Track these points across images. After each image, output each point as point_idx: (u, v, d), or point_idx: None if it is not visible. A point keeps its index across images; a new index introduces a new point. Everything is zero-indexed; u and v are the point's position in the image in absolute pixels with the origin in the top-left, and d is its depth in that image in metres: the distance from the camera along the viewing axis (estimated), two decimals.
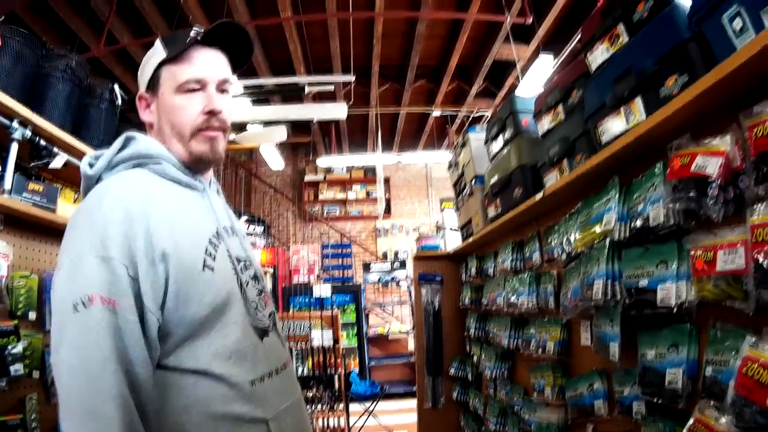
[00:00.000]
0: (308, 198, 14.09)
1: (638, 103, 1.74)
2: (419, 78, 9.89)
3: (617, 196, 1.80)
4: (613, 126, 1.87)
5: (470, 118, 11.32)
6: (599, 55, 1.97)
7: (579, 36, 7.28)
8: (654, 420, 1.68)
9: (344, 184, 14.24)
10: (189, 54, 1.49)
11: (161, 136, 1.52)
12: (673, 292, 1.52)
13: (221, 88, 1.53)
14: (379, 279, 10.89)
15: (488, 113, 10.91)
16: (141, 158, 1.46)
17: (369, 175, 13.91)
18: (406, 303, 11.21)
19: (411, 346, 10.16)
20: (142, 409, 1.18)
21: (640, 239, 1.71)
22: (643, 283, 1.64)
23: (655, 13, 1.70)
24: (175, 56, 1.48)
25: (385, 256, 13.53)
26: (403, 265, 10.88)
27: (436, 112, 11.04)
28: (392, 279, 10.87)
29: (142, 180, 1.41)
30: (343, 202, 14.15)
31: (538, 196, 2.38)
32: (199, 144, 1.50)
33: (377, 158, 10.69)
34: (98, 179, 1.44)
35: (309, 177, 14.18)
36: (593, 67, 2.02)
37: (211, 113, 1.48)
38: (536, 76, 7.46)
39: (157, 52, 1.51)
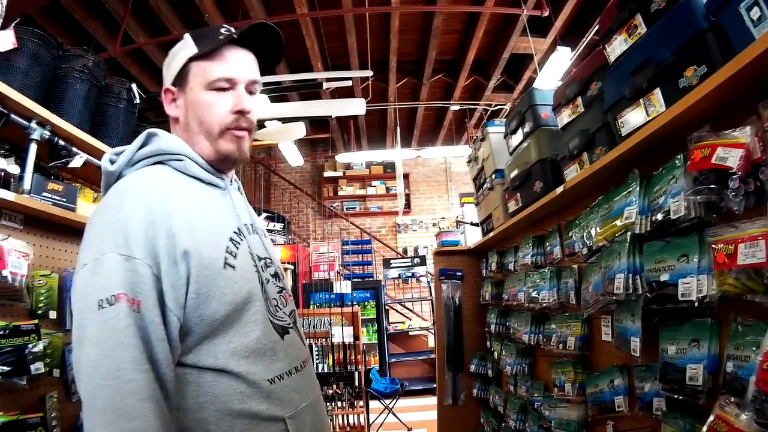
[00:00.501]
0: (328, 194, 14.13)
1: (657, 94, 1.72)
2: (436, 72, 9.87)
3: (638, 189, 1.79)
4: (633, 118, 1.85)
5: (488, 112, 11.27)
6: (617, 46, 1.96)
7: (596, 28, 7.28)
8: (674, 417, 1.66)
9: (363, 180, 14.27)
10: (221, 52, 1.49)
11: (187, 131, 1.51)
12: (694, 286, 1.51)
13: (250, 89, 1.53)
14: (399, 275, 10.85)
15: (506, 106, 10.85)
16: (162, 155, 1.46)
17: (388, 170, 13.93)
18: (426, 299, 11.19)
19: (431, 342, 10.14)
20: (168, 408, 1.19)
21: (661, 232, 1.69)
22: (665, 277, 1.63)
23: (672, 3, 1.68)
24: (206, 53, 1.48)
25: (405, 251, 13.54)
26: (423, 260, 10.83)
27: (454, 107, 11.00)
28: (412, 275, 10.83)
29: (163, 177, 1.41)
30: (363, 198, 14.18)
31: (559, 189, 2.36)
32: (227, 143, 1.50)
33: (396, 153, 10.67)
34: (119, 176, 1.44)
35: (328, 173, 14.22)
36: (612, 58, 2.00)
37: (241, 113, 1.49)
38: (554, 69, 7.41)
39: (187, 46, 1.50)
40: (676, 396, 1.60)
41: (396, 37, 8.30)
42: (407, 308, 12.19)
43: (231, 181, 1.61)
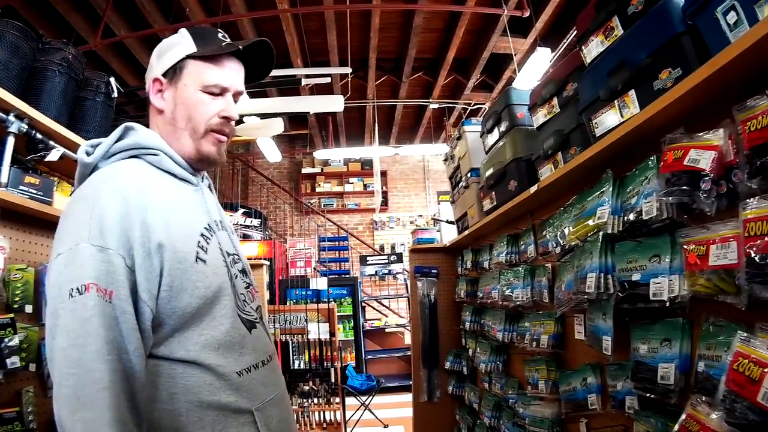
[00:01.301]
0: (305, 190, 14.10)
1: (632, 96, 1.73)
2: (416, 70, 9.88)
3: (611, 189, 1.80)
4: (607, 119, 1.86)
5: (467, 111, 11.31)
6: (594, 48, 1.96)
7: (575, 29, 7.32)
8: (647, 415, 1.68)
9: (341, 177, 14.27)
10: (219, 58, 1.54)
11: (172, 125, 1.54)
12: (666, 286, 1.52)
13: (235, 98, 1.59)
14: (375, 272, 10.88)
15: (485, 106, 10.90)
16: (138, 149, 1.48)
17: (366, 167, 13.92)
18: (402, 296, 11.21)
19: (407, 339, 10.15)
20: (134, 398, 1.20)
21: (634, 233, 1.70)
22: (636, 276, 1.64)
23: (649, 6, 1.68)
24: (206, 55, 1.52)
25: (381, 249, 13.56)
26: (400, 258, 10.86)
27: (434, 105, 11.03)
28: (389, 272, 10.86)
29: (138, 171, 1.43)
30: (340, 195, 14.19)
31: (533, 189, 2.37)
32: (209, 144, 1.54)
33: (374, 150, 10.67)
34: (94, 168, 1.46)
35: (306, 169, 14.20)
36: (588, 60, 2.01)
37: (227, 119, 1.55)
38: (533, 70, 7.45)
39: (185, 42, 1.54)
40: (648, 395, 1.62)
41: (376, 34, 8.28)
42: (384, 305, 12.20)
43: (202, 179, 1.65)
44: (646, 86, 1.67)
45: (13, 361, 2.30)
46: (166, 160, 1.49)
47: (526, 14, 7.30)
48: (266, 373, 1.49)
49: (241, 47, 1.54)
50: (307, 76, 8.23)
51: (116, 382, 1.16)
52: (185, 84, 1.51)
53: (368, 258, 11.05)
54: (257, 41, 1.57)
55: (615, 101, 1.81)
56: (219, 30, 1.59)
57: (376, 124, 10.40)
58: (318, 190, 14.11)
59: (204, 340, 1.35)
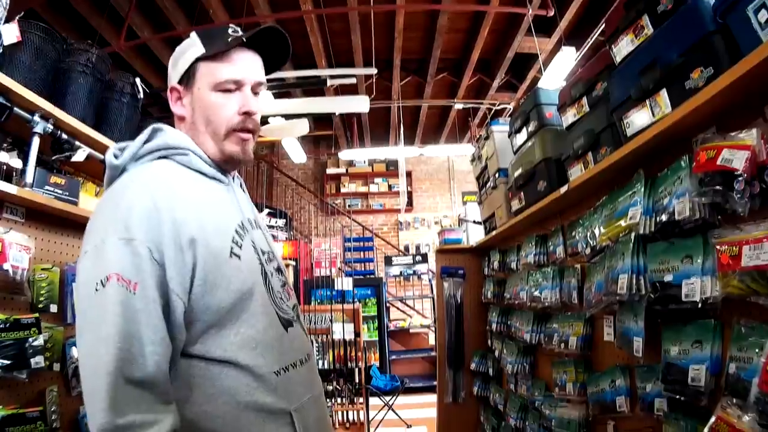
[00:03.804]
0: (330, 191, 14.14)
1: (664, 95, 1.72)
2: (441, 71, 9.87)
3: (642, 189, 1.79)
4: (639, 118, 1.85)
5: (492, 111, 11.27)
6: (624, 46, 1.95)
7: (601, 28, 7.28)
8: (676, 417, 1.67)
9: (366, 177, 14.29)
10: (228, 53, 1.50)
11: (193, 130, 1.53)
12: (698, 287, 1.51)
13: (255, 90, 1.55)
14: (400, 272, 10.86)
15: (510, 106, 10.86)
16: (167, 149, 1.47)
17: (391, 168, 13.93)
18: (427, 297, 11.18)
19: (432, 340, 10.14)
20: (147, 392, 1.15)
21: (665, 233, 1.69)
22: (668, 277, 1.63)
23: (679, 4, 1.68)
24: (214, 54, 1.49)
25: (406, 249, 13.54)
26: (424, 258, 10.83)
27: (458, 105, 11.00)
28: (414, 272, 10.84)
29: (168, 170, 1.43)
30: (365, 195, 14.20)
31: (563, 189, 2.36)
32: (232, 144, 1.52)
33: (399, 151, 10.68)
34: (123, 170, 1.45)
35: (331, 170, 14.24)
36: (618, 59, 2.00)
37: (247, 114, 1.51)
38: (559, 69, 7.39)
39: (194, 46, 1.52)
40: (678, 397, 1.61)
41: (401, 35, 8.27)
42: (408, 305, 12.19)
43: (233, 178, 1.64)
44: (678, 85, 1.65)
45: (38, 361, 2.30)
46: (195, 159, 1.48)
47: (551, 13, 7.26)
48: (304, 373, 1.47)
49: (245, 38, 1.50)
50: (333, 77, 8.24)
51: (118, 372, 1.11)
52: (199, 87, 1.50)
53: (393, 258, 11.04)
54: (264, 28, 1.54)
55: (646, 100, 1.79)
56: (230, 26, 1.56)
57: (401, 125, 10.39)
58: (343, 190, 14.14)
59: (241, 340, 1.32)
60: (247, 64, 1.53)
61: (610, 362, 2.20)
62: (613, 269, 1.87)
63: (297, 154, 11.28)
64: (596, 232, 2.10)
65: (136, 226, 1.23)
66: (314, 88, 8.99)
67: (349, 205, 14.07)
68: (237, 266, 1.37)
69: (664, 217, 1.65)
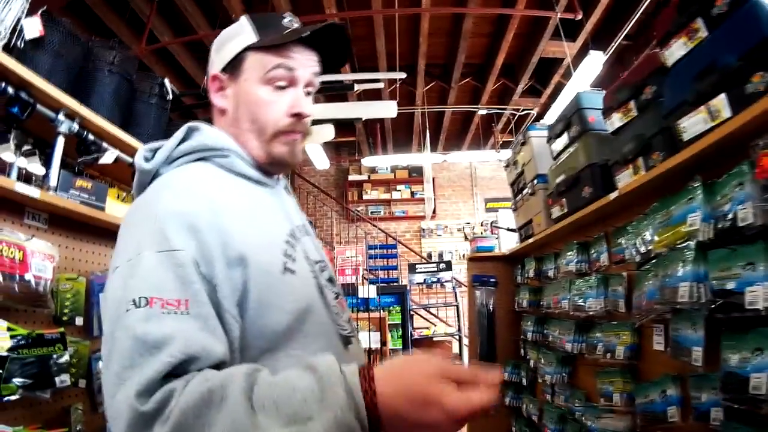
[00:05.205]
0: (352, 198, 14.18)
1: (723, 100, 1.68)
2: (465, 76, 9.88)
3: (702, 195, 1.74)
4: (696, 123, 1.81)
5: (516, 117, 11.24)
6: (676, 50, 1.92)
7: (625, 32, 7.23)
8: (735, 427, 1.63)
9: (388, 184, 14.31)
10: (285, 48, 1.35)
11: (236, 126, 1.38)
12: (761, 294, 1.47)
13: (307, 90, 1.41)
14: (424, 280, 10.80)
15: (534, 111, 10.83)
16: (205, 151, 1.32)
17: (413, 174, 13.95)
18: (451, 305, 11.12)
19: (455, 348, 10.08)
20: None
21: (724, 240, 1.65)
22: (731, 285, 1.59)
23: (735, 7, 1.65)
24: (268, 46, 1.35)
25: (429, 256, 13.51)
26: (449, 266, 10.76)
27: (482, 111, 10.98)
28: (437, 280, 10.77)
29: (207, 174, 1.28)
30: (388, 203, 14.23)
31: (613, 195, 2.32)
32: (280, 146, 1.37)
33: (425, 158, 10.67)
34: (155, 175, 1.31)
35: (353, 177, 14.29)
36: (670, 62, 1.96)
37: (298, 116, 1.37)
38: (586, 73, 7.32)
39: (244, 32, 1.38)
40: (736, 405, 1.57)
41: (426, 40, 8.30)
42: (432, 314, 12.15)
43: (278, 180, 1.49)
44: (737, 90, 1.61)
45: (63, 379, 2.18)
46: (237, 161, 1.33)
47: (579, 17, 7.21)
48: None
49: (303, 35, 1.33)
50: (359, 81, 8.24)
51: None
52: (246, 79, 1.35)
53: (417, 266, 11.00)
54: (327, 25, 1.36)
55: (704, 105, 1.75)
56: (285, 14, 1.41)
57: (427, 131, 10.39)
58: (365, 197, 14.17)
59: (293, 363, 1.08)
60: (303, 60, 1.38)
61: (659, 371, 2.15)
62: (672, 277, 1.82)
63: (320, 161, 11.29)
64: (648, 238, 2.06)
65: (176, 237, 1.07)
66: (337, 93, 8.99)
67: (371, 212, 14.09)
68: (291, 283, 1.21)
69: (726, 224, 1.62)
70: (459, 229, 13.93)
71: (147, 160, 1.32)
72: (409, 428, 0.95)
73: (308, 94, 1.42)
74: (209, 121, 1.45)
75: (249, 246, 1.15)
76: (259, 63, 1.35)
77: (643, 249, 2.11)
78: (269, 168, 1.42)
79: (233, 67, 1.38)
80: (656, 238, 1.98)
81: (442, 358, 0.99)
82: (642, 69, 2.24)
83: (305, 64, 1.39)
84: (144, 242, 1.07)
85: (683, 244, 1.80)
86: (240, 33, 1.39)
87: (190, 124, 1.36)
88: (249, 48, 1.36)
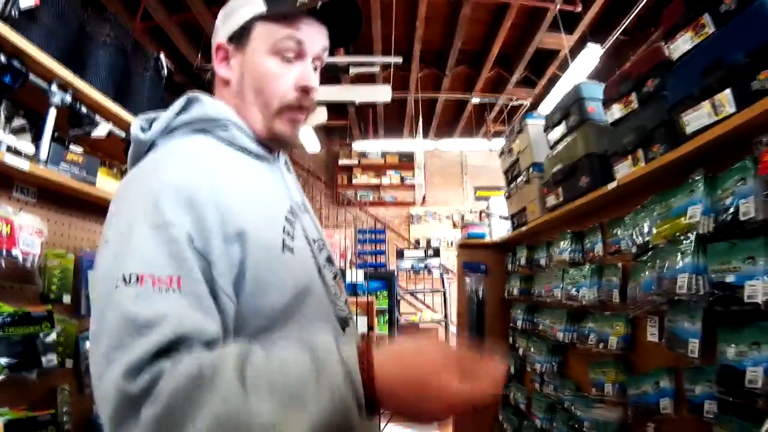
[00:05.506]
0: (342, 182, 14.16)
1: (728, 95, 1.69)
2: (460, 63, 9.85)
3: (703, 188, 1.76)
4: (699, 117, 1.81)
5: (509, 107, 11.25)
6: (681, 44, 1.92)
7: (624, 26, 7.24)
8: (729, 419, 1.65)
9: (378, 170, 14.33)
10: (295, 19, 1.28)
11: (240, 99, 1.32)
12: (761, 288, 1.49)
13: (315, 65, 1.34)
14: (411, 266, 10.80)
15: (527, 102, 10.84)
16: (206, 122, 1.26)
17: (403, 160, 13.96)
18: (438, 291, 11.15)
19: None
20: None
21: (725, 233, 1.67)
22: (730, 278, 1.60)
23: (743, 5, 1.66)
24: (277, 16, 1.28)
25: (417, 243, 13.54)
26: (437, 253, 10.77)
27: (475, 100, 10.97)
28: (425, 267, 10.78)
29: (206, 147, 1.23)
30: (377, 188, 14.25)
31: (611, 185, 2.33)
32: (283, 124, 1.31)
33: (416, 144, 10.66)
34: (151, 146, 1.25)
35: (343, 161, 14.28)
36: (675, 56, 1.97)
37: (305, 91, 1.30)
38: (582, 66, 7.33)
39: (253, 2, 1.29)
40: (731, 399, 1.59)
41: (422, 24, 8.27)
42: (419, 299, 12.18)
43: (278, 155, 1.44)
44: (743, 86, 1.63)
45: (50, 359, 2.13)
46: (238, 134, 1.28)
47: (578, 9, 7.21)
48: None
49: (318, 5, 1.26)
50: (355, 64, 8.19)
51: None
52: (253, 49, 1.29)
53: (405, 252, 11.00)
54: None
55: (708, 100, 1.76)
56: None
57: (420, 117, 10.38)
58: (354, 182, 14.19)
59: (289, 343, 1.01)
60: (313, 32, 1.31)
61: (652, 363, 2.16)
62: (670, 268, 1.84)
63: (312, 143, 11.26)
64: (646, 230, 2.07)
65: (170, 210, 1.01)
66: (331, 76, 8.92)
67: (360, 197, 14.08)
68: (290, 262, 1.17)
69: (727, 218, 1.63)
70: (448, 217, 13.98)
71: (143, 130, 1.27)
72: (406, 413, 0.95)
73: (316, 69, 1.36)
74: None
75: (249, 222, 1.11)
76: (267, 33, 1.29)
77: (639, 240, 2.12)
78: (269, 143, 1.36)
79: (240, 36, 1.32)
80: (654, 230, 2.00)
81: (446, 344, 0.99)
82: (645, 62, 2.25)
83: (315, 37, 1.33)
84: (137, 216, 1.02)
85: (683, 237, 1.81)
86: (248, 3, 1.32)
87: (189, 94, 1.31)
88: (257, 18, 1.30)
